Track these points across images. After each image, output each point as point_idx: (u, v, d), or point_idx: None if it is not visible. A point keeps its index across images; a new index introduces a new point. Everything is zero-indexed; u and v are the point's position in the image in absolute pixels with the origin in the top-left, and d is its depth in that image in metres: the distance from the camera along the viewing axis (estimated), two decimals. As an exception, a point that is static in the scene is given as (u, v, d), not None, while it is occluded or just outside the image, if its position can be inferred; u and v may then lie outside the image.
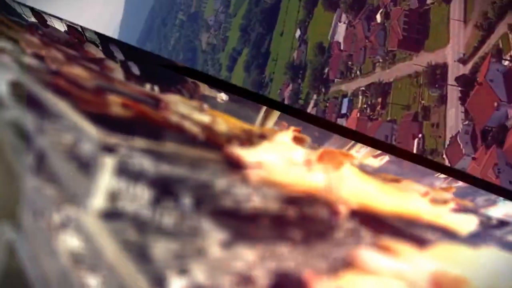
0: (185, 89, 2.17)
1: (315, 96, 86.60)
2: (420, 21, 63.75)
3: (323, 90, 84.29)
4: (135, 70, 2.15)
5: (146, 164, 2.14)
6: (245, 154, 2.13)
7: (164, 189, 2.14)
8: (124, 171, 2.13)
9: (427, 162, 2.28)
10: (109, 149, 2.13)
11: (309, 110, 78.98)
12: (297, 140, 2.16)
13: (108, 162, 2.15)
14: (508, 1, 56.86)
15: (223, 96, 2.18)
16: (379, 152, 2.17)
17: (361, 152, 2.21)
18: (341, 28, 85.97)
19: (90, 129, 2.18)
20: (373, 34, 71.55)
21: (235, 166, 2.13)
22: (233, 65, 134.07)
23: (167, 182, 2.14)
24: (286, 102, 77.71)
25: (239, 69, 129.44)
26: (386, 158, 2.19)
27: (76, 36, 2.29)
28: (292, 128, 2.14)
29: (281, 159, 2.19)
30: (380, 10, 71.52)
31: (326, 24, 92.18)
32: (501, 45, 54.98)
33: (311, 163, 2.19)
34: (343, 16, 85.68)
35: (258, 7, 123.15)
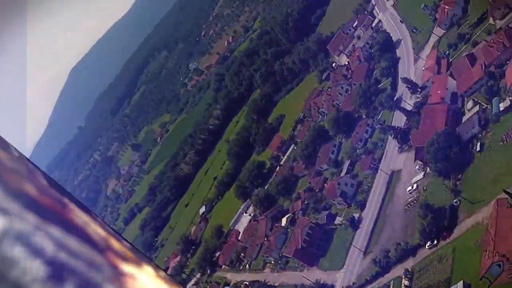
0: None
1: (198, 275, 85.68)
2: (323, 237, 65.14)
3: (208, 271, 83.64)
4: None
5: (46, 245, 2.29)
6: (127, 268, 2.58)
7: (55, 274, 2.26)
8: (23, 242, 2.25)
9: None
10: (2, 211, 2.25)
11: (188, 286, 77.68)
12: (159, 277, 2.72)
13: None
14: (411, 246, 58.91)
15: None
16: None
17: None
18: (245, 219, 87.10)
19: None
20: (274, 235, 72.54)
21: (120, 273, 2.51)
22: (130, 219, 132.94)
23: (60, 268, 2.29)
24: (169, 272, 76.60)
25: (135, 225, 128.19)
26: None
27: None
28: (152, 266, 2.71)
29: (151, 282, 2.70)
30: (288, 215, 73.14)
31: (232, 210, 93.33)
32: (391, 288, 56.03)
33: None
34: (251, 208, 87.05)
35: (173, 172, 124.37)
